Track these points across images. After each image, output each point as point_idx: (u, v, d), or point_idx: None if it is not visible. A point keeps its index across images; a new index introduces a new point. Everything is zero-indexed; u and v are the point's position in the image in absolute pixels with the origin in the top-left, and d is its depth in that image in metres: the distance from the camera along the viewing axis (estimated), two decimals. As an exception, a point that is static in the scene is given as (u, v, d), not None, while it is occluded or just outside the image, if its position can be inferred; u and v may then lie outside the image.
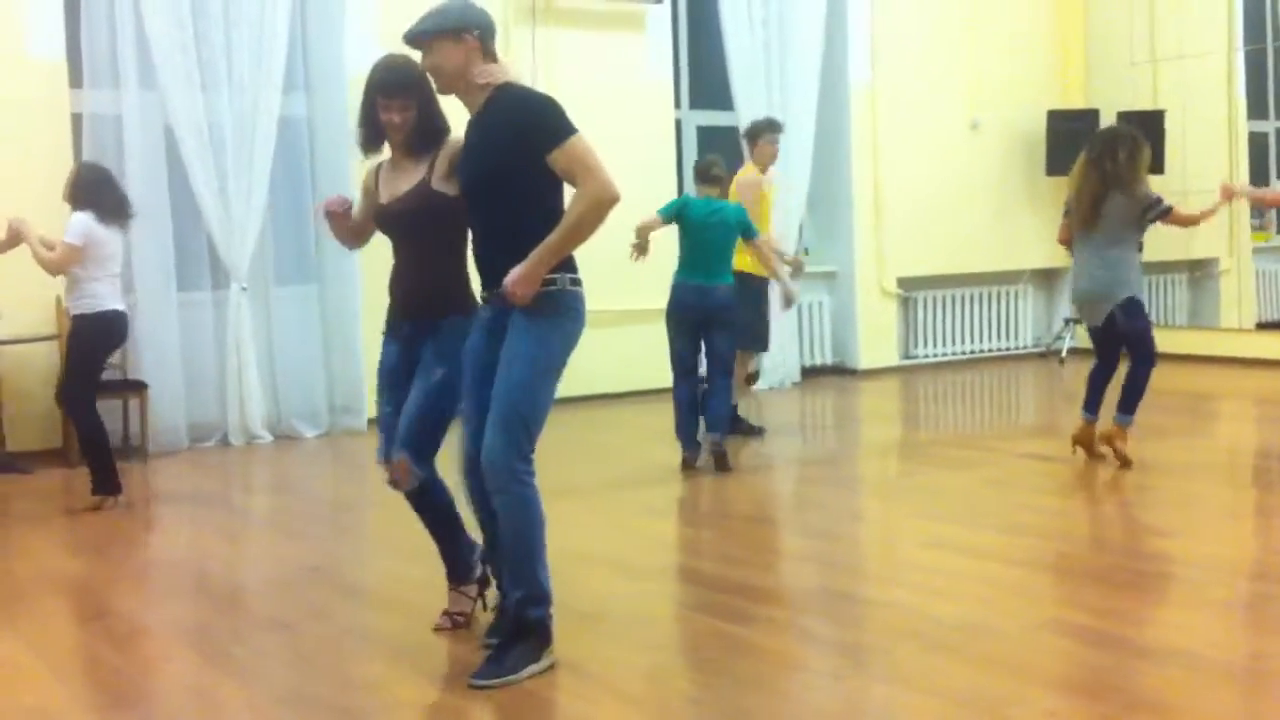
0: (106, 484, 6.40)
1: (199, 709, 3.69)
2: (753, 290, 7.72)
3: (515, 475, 3.68)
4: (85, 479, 6.48)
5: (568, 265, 3.77)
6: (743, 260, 7.36)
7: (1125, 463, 6.48)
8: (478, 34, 3.75)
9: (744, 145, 8.41)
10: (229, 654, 4.15)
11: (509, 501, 3.69)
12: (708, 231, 6.96)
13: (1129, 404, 6.50)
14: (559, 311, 3.74)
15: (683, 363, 7.02)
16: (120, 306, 6.45)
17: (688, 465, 6.94)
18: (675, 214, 7.00)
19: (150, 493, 7.10)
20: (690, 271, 6.97)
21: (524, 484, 3.69)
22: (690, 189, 9.94)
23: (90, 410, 6.39)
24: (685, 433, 7.00)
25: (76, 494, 6.65)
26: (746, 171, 7.98)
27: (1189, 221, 6.60)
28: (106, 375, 7.77)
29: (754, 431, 8.02)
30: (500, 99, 3.77)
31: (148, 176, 8.00)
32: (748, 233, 7.04)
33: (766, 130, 8.09)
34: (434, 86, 3.92)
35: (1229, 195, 6.78)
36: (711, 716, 3.46)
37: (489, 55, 3.79)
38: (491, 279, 3.82)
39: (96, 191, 6.35)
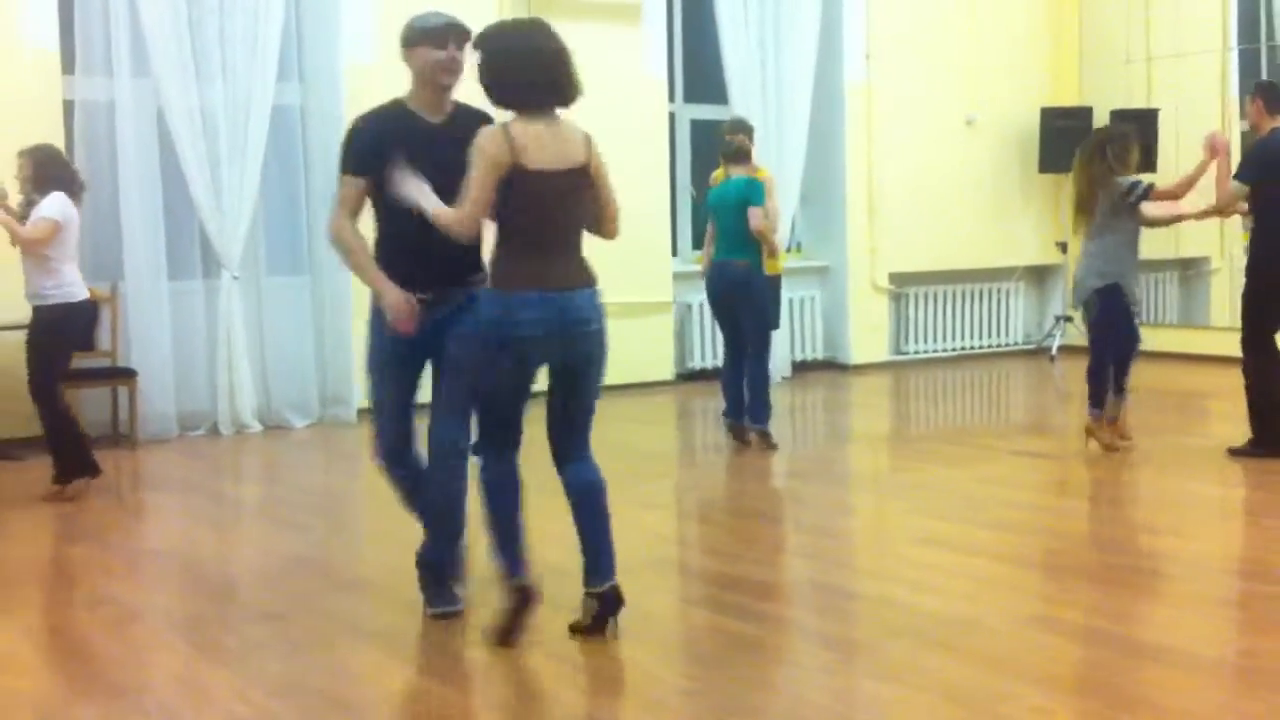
0: (69, 471, 6.35)
1: (190, 698, 3.69)
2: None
3: None
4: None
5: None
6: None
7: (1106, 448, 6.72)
8: None
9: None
10: (220, 643, 4.15)
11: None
12: (718, 211, 7.19)
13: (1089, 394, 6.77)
14: None
15: (727, 344, 7.34)
16: (87, 294, 6.44)
17: (736, 437, 7.23)
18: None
19: (140, 481, 7.09)
20: (716, 251, 7.21)
21: None
22: (685, 183, 10.03)
23: (58, 399, 6.33)
24: (730, 406, 7.26)
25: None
26: None
27: (1172, 194, 6.59)
28: (95, 363, 7.81)
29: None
30: (467, 115, 4.09)
31: (140, 164, 7.96)
32: (749, 201, 7.04)
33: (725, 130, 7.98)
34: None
35: (1215, 150, 6.62)
36: (704, 710, 3.46)
37: None
38: (441, 278, 4.03)
39: (60, 169, 6.29)
